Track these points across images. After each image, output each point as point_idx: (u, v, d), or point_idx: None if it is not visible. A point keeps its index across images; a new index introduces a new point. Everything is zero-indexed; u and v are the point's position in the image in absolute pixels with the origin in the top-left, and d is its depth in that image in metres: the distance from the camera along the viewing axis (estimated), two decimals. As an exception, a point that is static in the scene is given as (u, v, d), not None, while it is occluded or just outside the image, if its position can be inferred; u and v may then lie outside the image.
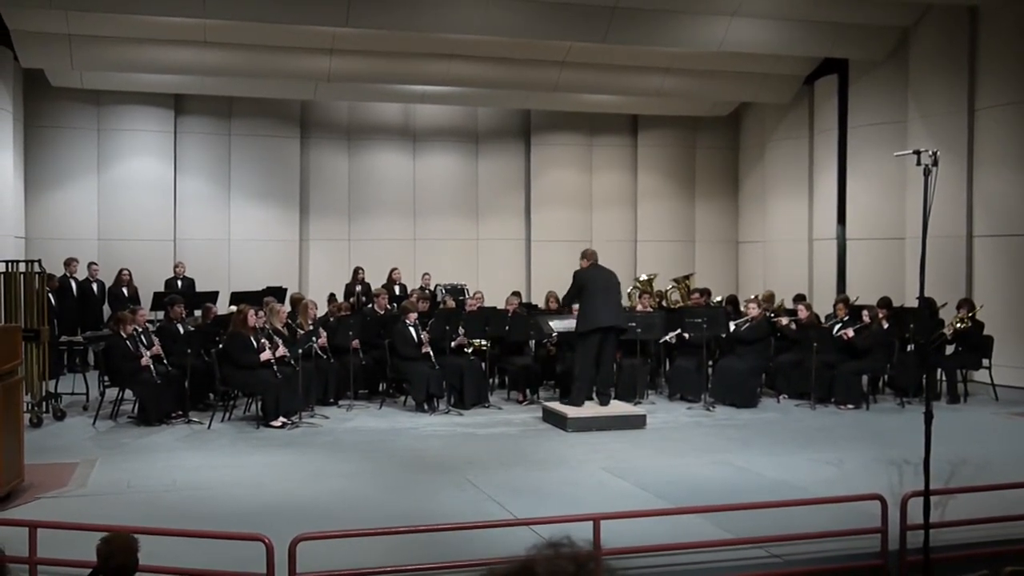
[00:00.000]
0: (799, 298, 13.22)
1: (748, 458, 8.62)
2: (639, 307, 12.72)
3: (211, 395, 10.96)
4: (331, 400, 11.33)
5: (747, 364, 11.52)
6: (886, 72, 14.76)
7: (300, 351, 10.53)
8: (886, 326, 11.56)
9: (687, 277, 16.13)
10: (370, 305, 13.09)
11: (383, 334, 11.59)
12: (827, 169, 16.12)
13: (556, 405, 10.45)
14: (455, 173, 18.10)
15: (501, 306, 12.54)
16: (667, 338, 12.09)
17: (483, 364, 11.51)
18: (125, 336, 10.17)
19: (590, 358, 10.31)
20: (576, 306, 10.69)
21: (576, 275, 10.57)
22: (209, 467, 8.28)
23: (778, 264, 17.33)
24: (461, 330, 11.54)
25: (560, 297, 11.76)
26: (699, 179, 18.78)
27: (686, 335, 11.86)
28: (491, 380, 12.13)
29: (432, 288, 15.05)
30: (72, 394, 11.23)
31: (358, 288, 14.93)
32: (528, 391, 11.80)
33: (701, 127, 18.69)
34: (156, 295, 13.68)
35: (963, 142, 13.46)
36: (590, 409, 10.22)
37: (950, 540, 6.21)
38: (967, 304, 11.95)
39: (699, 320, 11.47)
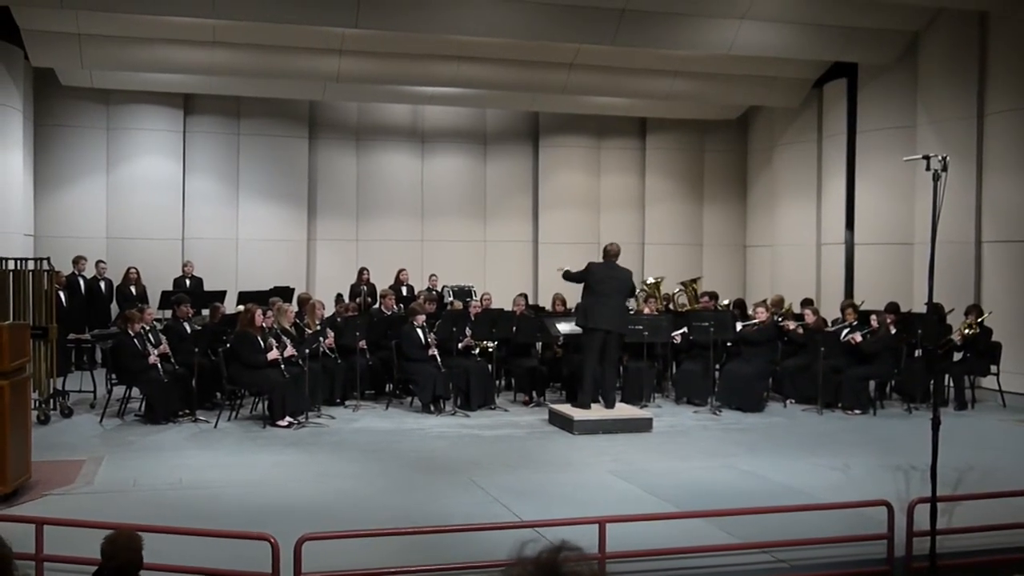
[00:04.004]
0: (807, 302, 13.19)
1: (754, 462, 8.61)
2: (646, 310, 12.71)
3: (218, 394, 10.99)
4: (337, 400, 11.35)
5: (754, 368, 11.50)
6: (895, 76, 14.72)
7: (307, 351, 10.55)
8: (894, 331, 11.53)
9: (694, 281, 16.10)
10: (377, 306, 13.09)
11: (390, 335, 11.61)
12: (836, 173, 16.08)
13: (562, 407, 10.45)
14: (463, 174, 18.11)
15: (508, 308, 12.53)
16: (673, 335, 12.08)
17: (489, 366, 11.51)
18: (133, 334, 10.20)
19: (594, 358, 10.31)
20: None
21: (589, 265, 10.64)
22: (215, 466, 8.29)
23: (786, 268, 17.29)
24: (468, 332, 11.54)
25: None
26: (707, 183, 18.77)
27: (691, 336, 11.86)
28: (497, 382, 12.13)
29: (439, 289, 15.05)
30: (79, 392, 11.27)
31: (363, 288, 14.94)
32: (534, 393, 11.80)
33: (709, 130, 18.67)
34: (164, 294, 13.71)
35: (972, 147, 13.41)
36: (596, 412, 10.21)
37: (957, 547, 6.20)
38: (975, 310, 11.91)
39: (706, 323, 11.46)
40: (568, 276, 11.05)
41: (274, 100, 16.55)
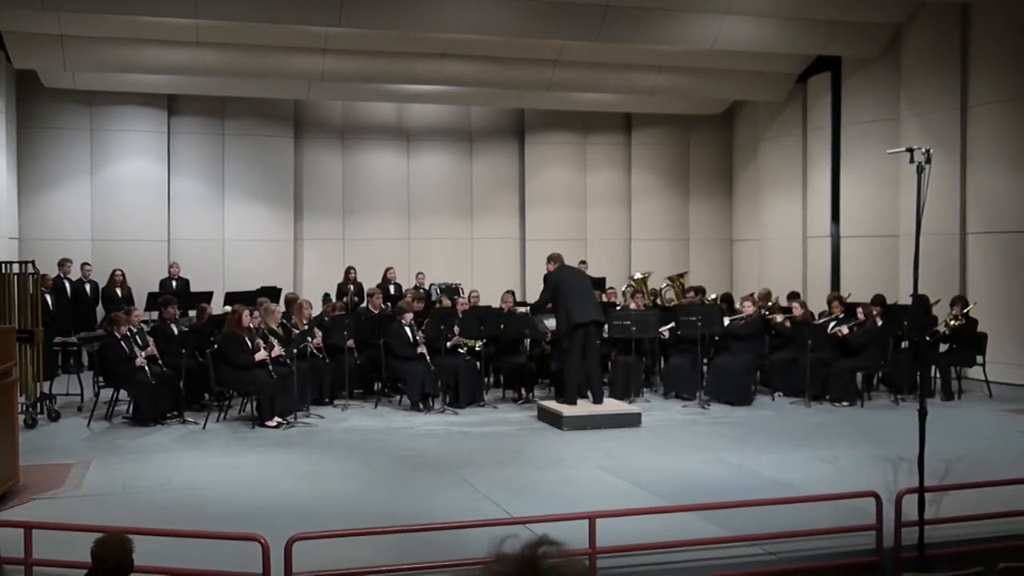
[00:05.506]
0: (793, 295, 13.23)
1: (743, 456, 8.64)
2: (633, 306, 12.72)
3: (206, 395, 10.96)
4: (326, 400, 11.33)
5: (742, 362, 11.53)
6: (879, 69, 14.79)
7: (295, 351, 10.53)
8: (880, 323, 11.58)
9: (681, 275, 16.13)
10: (364, 305, 13.07)
11: (378, 334, 11.59)
12: (821, 167, 16.15)
13: (551, 404, 10.46)
14: (449, 172, 18.10)
15: (496, 305, 12.52)
16: (661, 330, 12.11)
17: (478, 363, 11.51)
18: (119, 337, 10.15)
19: (576, 356, 10.34)
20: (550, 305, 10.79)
21: (547, 278, 10.71)
22: (204, 467, 8.27)
23: (772, 262, 17.35)
24: (456, 329, 11.54)
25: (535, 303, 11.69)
26: (693, 177, 18.81)
27: (679, 331, 11.88)
28: (486, 379, 12.12)
29: (427, 287, 15.04)
30: (67, 395, 11.20)
31: (350, 288, 14.92)
32: (523, 390, 11.80)
33: (695, 125, 18.70)
34: (150, 295, 13.65)
35: (956, 139, 13.49)
36: (585, 407, 10.23)
37: (945, 536, 6.23)
38: (961, 301, 11.98)
39: (693, 318, 11.48)
40: (538, 306, 11.13)
41: (258, 100, 16.50)
